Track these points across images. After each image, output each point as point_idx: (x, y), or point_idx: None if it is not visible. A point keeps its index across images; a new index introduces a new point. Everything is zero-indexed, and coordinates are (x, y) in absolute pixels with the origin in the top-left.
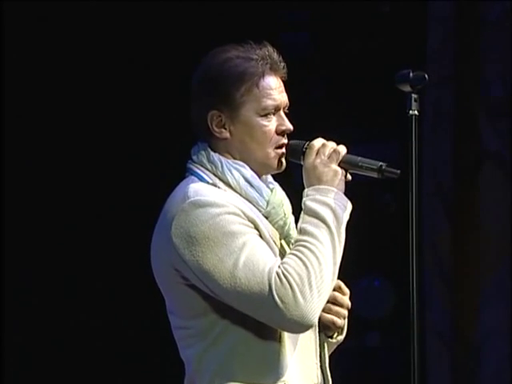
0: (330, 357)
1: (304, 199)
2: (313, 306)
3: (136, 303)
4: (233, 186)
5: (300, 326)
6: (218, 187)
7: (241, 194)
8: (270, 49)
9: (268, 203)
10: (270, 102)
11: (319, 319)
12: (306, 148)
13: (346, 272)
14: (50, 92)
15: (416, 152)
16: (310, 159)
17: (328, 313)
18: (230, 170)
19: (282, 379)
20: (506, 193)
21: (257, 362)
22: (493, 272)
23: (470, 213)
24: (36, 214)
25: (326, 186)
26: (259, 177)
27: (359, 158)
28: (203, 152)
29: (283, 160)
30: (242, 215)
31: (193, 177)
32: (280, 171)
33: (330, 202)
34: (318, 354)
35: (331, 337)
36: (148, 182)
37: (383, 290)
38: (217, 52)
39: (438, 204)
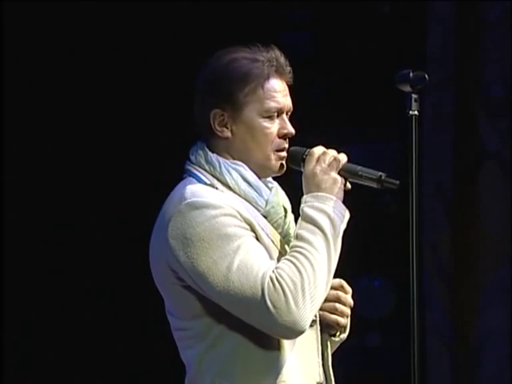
0: (333, 355)
1: (302, 206)
2: (305, 313)
3: (136, 304)
4: (231, 186)
5: (291, 332)
6: (216, 188)
7: (239, 195)
8: (278, 52)
9: (267, 202)
10: (273, 104)
11: (323, 319)
12: (307, 155)
13: (346, 272)
14: (50, 93)
15: (416, 152)
16: (310, 166)
17: (332, 313)
18: (228, 171)
19: (282, 379)
20: (506, 193)
21: (257, 362)
22: (493, 272)
23: (470, 213)
24: (36, 213)
25: (324, 194)
26: (259, 178)
27: (359, 167)
28: (201, 153)
29: (284, 163)
30: (239, 217)
31: (190, 178)
32: (279, 174)
33: (328, 210)
34: (321, 352)
35: (334, 335)
36: (147, 182)
37: (383, 289)
38: (223, 53)
39: (438, 204)
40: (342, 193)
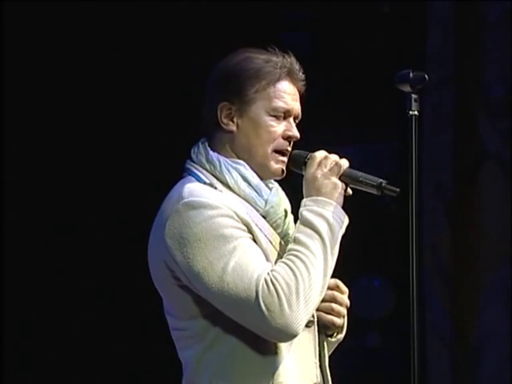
0: (331, 357)
1: (301, 209)
2: (298, 316)
3: (136, 303)
4: (231, 185)
5: (284, 335)
6: (215, 187)
7: (239, 194)
8: (293, 59)
9: (266, 202)
10: (281, 104)
11: (319, 319)
12: (308, 158)
13: (345, 272)
14: (50, 93)
15: (416, 152)
16: (311, 170)
17: (328, 313)
18: (228, 170)
19: (279, 380)
20: (506, 193)
21: (254, 363)
22: (493, 272)
23: (470, 213)
24: (36, 213)
25: (324, 198)
26: (260, 179)
27: (360, 173)
28: (203, 151)
29: (284, 169)
30: (236, 217)
31: (190, 177)
32: (279, 178)
33: (327, 215)
34: (318, 353)
35: (331, 336)
36: (147, 181)
37: (383, 289)
38: (238, 52)
39: (438, 204)
40: (342, 198)
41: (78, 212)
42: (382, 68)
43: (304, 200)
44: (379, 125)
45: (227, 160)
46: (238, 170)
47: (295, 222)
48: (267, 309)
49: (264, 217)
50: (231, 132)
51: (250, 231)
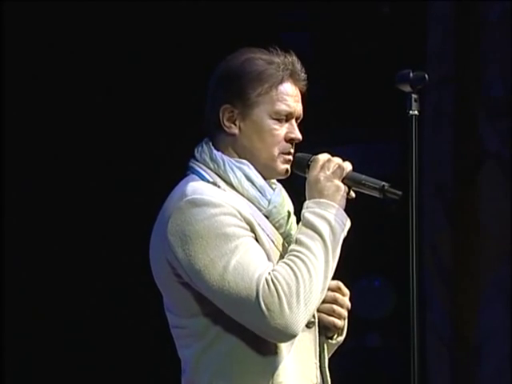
0: (330, 358)
1: (303, 211)
2: (298, 317)
3: (136, 301)
4: (234, 185)
5: (283, 336)
6: (218, 186)
7: (242, 194)
8: (295, 58)
9: (269, 202)
10: (283, 107)
11: (319, 320)
12: (311, 161)
13: (346, 272)
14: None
15: (416, 152)
16: (314, 172)
17: (329, 314)
18: (232, 169)
19: (279, 380)
20: (506, 193)
21: (254, 363)
22: (493, 272)
23: (469, 213)
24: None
25: (326, 201)
26: (263, 179)
27: (363, 176)
28: (207, 150)
29: (289, 168)
30: (239, 216)
31: (193, 175)
32: (284, 177)
33: (329, 217)
34: (318, 354)
35: (331, 338)
36: (151, 179)
37: (383, 290)
38: (240, 52)
39: (438, 204)
40: (345, 201)
41: (79, 212)
42: (382, 68)
43: (306, 202)
44: (379, 125)
45: (231, 159)
46: (241, 170)
47: (298, 223)
48: (267, 308)
49: (267, 217)
50: (234, 135)
51: (253, 230)
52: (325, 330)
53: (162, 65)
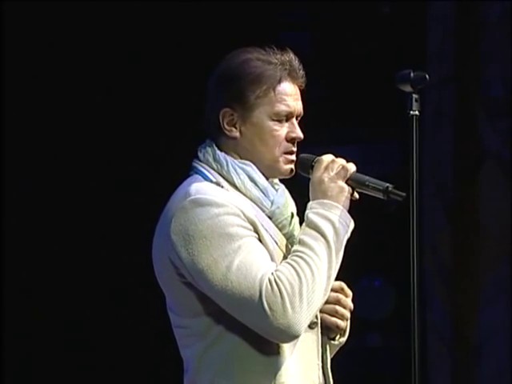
0: (332, 359)
1: (307, 211)
2: (300, 318)
3: (136, 301)
4: (237, 185)
5: (285, 336)
6: (222, 186)
7: (245, 194)
8: (292, 56)
9: (272, 203)
10: (283, 108)
11: (322, 321)
12: (315, 162)
13: (346, 272)
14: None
15: (416, 152)
16: (318, 173)
17: (332, 315)
18: (235, 170)
19: (281, 380)
20: (506, 193)
21: (256, 363)
22: (493, 272)
23: (469, 213)
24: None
25: (330, 202)
26: (266, 179)
27: (367, 178)
28: (210, 150)
29: (293, 168)
30: (242, 216)
31: (197, 175)
32: (288, 177)
33: (333, 218)
34: (320, 355)
35: (333, 338)
36: (151, 179)
37: (383, 290)
38: (237, 52)
39: (438, 204)
40: (349, 202)
41: (79, 211)
42: (382, 68)
43: (310, 203)
44: (380, 125)
45: (234, 160)
46: (244, 170)
47: (301, 224)
48: (270, 308)
49: (270, 217)
50: (235, 138)
51: (256, 231)
52: (327, 331)
53: (162, 65)
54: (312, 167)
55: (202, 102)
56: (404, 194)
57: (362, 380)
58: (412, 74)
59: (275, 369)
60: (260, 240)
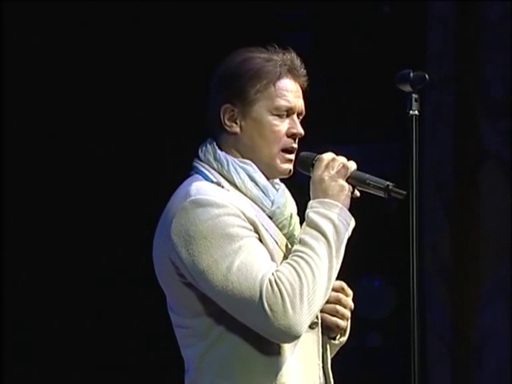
0: (332, 359)
1: (307, 211)
2: (301, 318)
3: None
4: (238, 185)
5: (286, 336)
6: (222, 186)
7: (245, 194)
8: (293, 54)
9: (273, 203)
10: (283, 103)
11: (323, 321)
12: (316, 160)
13: (346, 272)
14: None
15: (416, 152)
16: (318, 172)
17: (332, 315)
18: (235, 169)
19: (282, 380)
20: (506, 193)
21: (257, 363)
22: (493, 272)
23: (469, 213)
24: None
25: (330, 200)
26: (267, 179)
27: (367, 176)
28: (210, 150)
29: (291, 168)
30: (243, 217)
31: (197, 175)
32: (286, 177)
33: (333, 217)
34: (321, 355)
35: (334, 338)
36: (151, 179)
37: (383, 290)
38: (239, 51)
39: (438, 204)
40: (349, 200)
41: (79, 211)
42: (383, 68)
43: (310, 202)
44: (380, 125)
45: (235, 160)
46: (245, 170)
47: (301, 223)
48: (270, 309)
49: (270, 217)
50: (235, 134)
51: (257, 231)
52: (328, 331)
53: (163, 64)
54: (313, 165)
55: (203, 102)
56: (405, 192)
57: (361, 380)
58: (412, 74)
59: (276, 369)
60: (260, 240)
